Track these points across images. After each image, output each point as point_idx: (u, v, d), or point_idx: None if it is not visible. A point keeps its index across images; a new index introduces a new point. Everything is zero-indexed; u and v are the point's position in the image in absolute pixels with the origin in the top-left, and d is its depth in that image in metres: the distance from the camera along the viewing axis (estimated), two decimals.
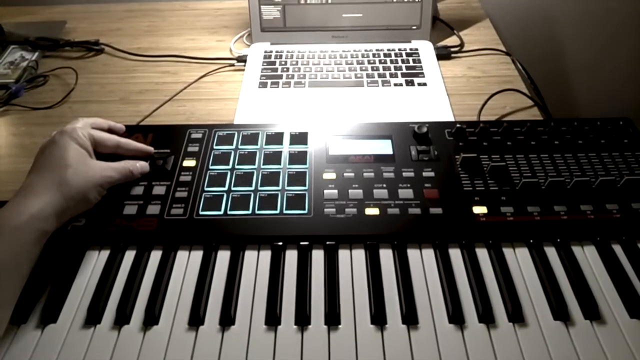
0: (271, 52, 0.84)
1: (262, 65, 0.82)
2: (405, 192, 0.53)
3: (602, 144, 0.59)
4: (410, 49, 0.84)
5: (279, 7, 0.85)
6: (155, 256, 0.50)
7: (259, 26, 0.86)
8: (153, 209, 0.52)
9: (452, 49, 0.84)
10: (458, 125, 0.60)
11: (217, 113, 0.73)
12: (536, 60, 1.07)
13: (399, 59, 0.82)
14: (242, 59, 0.83)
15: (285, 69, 0.81)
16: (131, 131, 0.61)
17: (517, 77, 0.79)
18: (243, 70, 0.81)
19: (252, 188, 0.54)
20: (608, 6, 1.07)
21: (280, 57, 0.83)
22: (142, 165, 0.56)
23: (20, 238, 0.45)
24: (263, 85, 0.78)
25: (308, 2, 0.84)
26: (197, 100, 0.76)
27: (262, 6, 0.85)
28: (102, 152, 0.56)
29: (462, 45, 0.86)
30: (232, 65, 0.83)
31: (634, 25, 1.10)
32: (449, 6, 0.98)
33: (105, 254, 0.50)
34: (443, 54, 0.83)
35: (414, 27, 0.85)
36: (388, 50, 0.84)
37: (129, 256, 0.50)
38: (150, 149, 0.58)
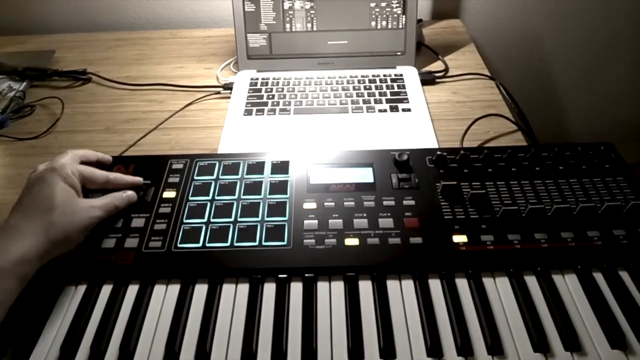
0: (257, 79, 0.85)
1: (248, 92, 0.82)
2: (386, 222, 0.53)
3: (584, 170, 0.59)
4: (395, 75, 0.85)
5: (265, 35, 0.86)
6: (132, 291, 0.49)
7: (246, 54, 0.87)
8: (131, 242, 0.52)
9: (437, 74, 0.85)
10: (439, 153, 0.60)
11: (201, 142, 0.73)
12: (521, 82, 1.08)
13: (384, 85, 0.83)
14: (228, 87, 0.84)
15: (270, 96, 0.81)
16: (113, 162, 0.61)
17: (501, 102, 0.80)
18: (229, 97, 0.82)
19: (232, 219, 0.54)
20: (592, 27, 1.09)
21: (266, 84, 0.84)
22: (128, 196, 0.56)
23: (2, 283, 0.44)
24: (248, 112, 0.78)
25: (294, 30, 0.85)
26: (182, 129, 0.76)
27: (248, 34, 0.86)
28: (91, 188, 0.55)
29: (446, 70, 0.87)
30: (219, 92, 0.84)
31: (618, 45, 1.12)
32: (434, 31, 0.99)
33: (82, 289, 0.49)
34: (427, 80, 0.84)
35: (399, 53, 0.86)
36: (373, 76, 0.85)
37: (106, 291, 0.49)
38: (139, 179, 0.58)
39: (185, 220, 0.54)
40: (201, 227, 0.53)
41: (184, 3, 1.04)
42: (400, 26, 0.85)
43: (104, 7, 1.04)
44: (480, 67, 0.88)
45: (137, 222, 0.54)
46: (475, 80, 0.85)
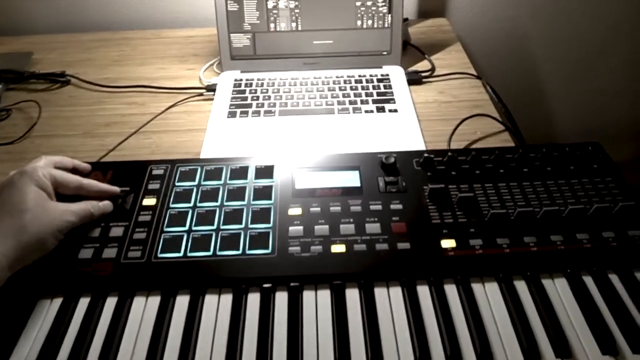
0: (241, 80, 0.83)
1: (232, 94, 0.80)
2: (373, 227, 0.52)
3: (572, 171, 0.59)
4: (382, 75, 0.83)
5: (249, 35, 0.84)
6: (111, 303, 0.47)
7: (229, 54, 0.85)
8: (109, 253, 0.50)
9: (423, 74, 0.84)
10: (426, 155, 0.59)
11: (183, 145, 0.71)
12: (508, 81, 1.07)
13: (370, 85, 0.81)
14: (211, 88, 0.82)
15: (255, 98, 0.79)
16: (91, 169, 0.59)
17: (488, 101, 0.79)
18: (212, 99, 0.80)
19: (214, 227, 0.52)
20: (580, 25, 1.08)
21: (250, 85, 0.82)
22: (104, 206, 0.54)
23: None
24: (232, 114, 0.76)
25: (278, 29, 0.84)
26: (163, 132, 0.74)
27: (231, 34, 0.84)
28: (64, 194, 0.53)
29: (433, 69, 0.86)
30: (201, 94, 0.82)
31: (606, 43, 1.12)
32: (420, 30, 0.98)
33: (57, 302, 0.47)
34: (414, 79, 0.83)
35: (385, 53, 0.85)
36: (359, 76, 0.83)
37: (83, 304, 0.47)
38: (116, 189, 0.56)
39: (165, 229, 0.52)
40: (182, 236, 0.51)
41: (166, 2, 1.01)
42: (386, 25, 0.83)
43: (85, 7, 1.01)
44: (466, 66, 0.87)
45: (116, 231, 0.52)
46: (462, 79, 0.84)
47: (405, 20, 0.98)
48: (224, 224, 0.52)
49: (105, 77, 0.86)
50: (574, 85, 1.18)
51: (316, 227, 0.52)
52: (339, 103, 0.78)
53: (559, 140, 1.27)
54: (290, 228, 0.52)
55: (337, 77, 0.83)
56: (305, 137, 0.71)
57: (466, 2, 1.04)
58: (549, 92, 1.20)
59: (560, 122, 1.24)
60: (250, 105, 0.78)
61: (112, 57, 0.93)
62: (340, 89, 0.81)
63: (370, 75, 0.83)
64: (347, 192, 0.56)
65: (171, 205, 0.55)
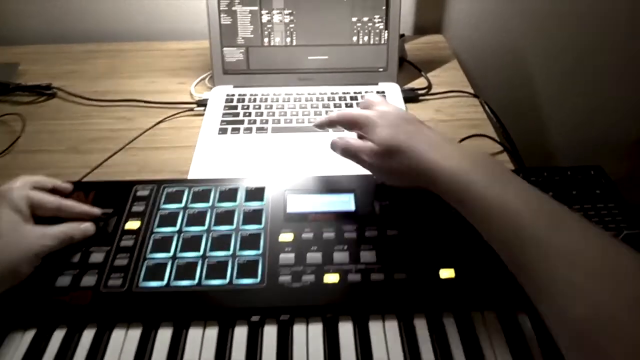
0: (233, 95, 0.81)
1: (224, 109, 0.78)
2: (368, 255, 0.49)
3: (574, 195, 0.57)
4: (377, 92, 0.81)
5: (242, 49, 0.82)
6: (88, 336, 0.44)
7: (221, 68, 0.83)
8: (88, 280, 0.47)
9: (420, 92, 0.82)
10: None
11: (172, 163, 0.68)
12: (506, 100, 1.05)
13: None
14: (202, 103, 0.79)
15: (247, 114, 0.77)
16: (73, 189, 0.56)
17: (485, 120, 0.77)
18: (203, 115, 0.77)
19: (200, 253, 0.49)
20: (578, 41, 1.07)
21: (243, 100, 0.80)
22: (85, 228, 0.51)
23: None
24: (223, 131, 0.74)
25: (272, 44, 0.82)
26: (151, 149, 0.71)
27: (224, 48, 0.82)
28: (41, 216, 0.50)
29: (429, 87, 0.84)
30: (192, 109, 0.79)
31: (605, 59, 1.10)
32: (416, 46, 0.96)
33: (30, 335, 0.44)
34: (410, 97, 0.81)
35: (381, 69, 0.83)
36: (355, 93, 0.81)
37: (58, 336, 0.44)
38: (97, 210, 0.53)
39: (149, 255, 0.49)
40: (166, 263, 0.48)
41: (157, 14, 0.99)
42: (383, 42, 0.82)
43: (74, 18, 0.99)
44: (463, 84, 0.86)
45: (96, 256, 0.49)
46: (459, 97, 0.82)
47: (402, 36, 0.96)
48: (210, 250, 0.50)
49: (94, 90, 0.84)
50: (571, 100, 1.17)
51: (308, 254, 0.49)
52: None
53: (556, 155, 1.25)
54: (281, 255, 0.49)
55: (332, 93, 0.81)
56: (298, 156, 0.69)
57: (462, 18, 1.03)
58: (545, 108, 1.19)
59: (558, 137, 1.22)
60: (242, 122, 0.76)
61: (101, 69, 0.90)
62: (335, 105, 0.79)
63: (366, 92, 0.81)
64: (342, 216, 0.53)
65: (155, 230, 0.52)
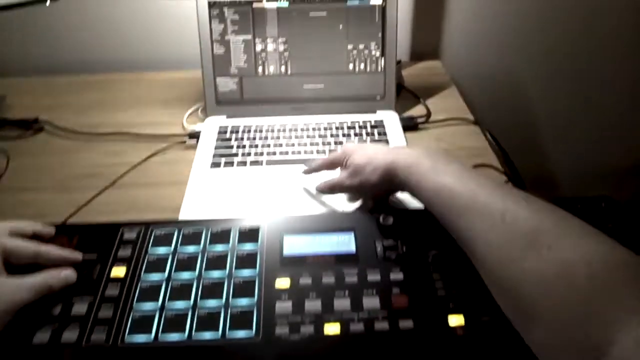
0: (227, 126, 0.78)
1: (217, 141, 0.75)
2: (371, 301, 0.46)
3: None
4: (375, 121, 0.79)
5: (236, 78, 0.80)
6: None
7: (214, 99, 0.80)
8: (69, 336, 0.43)
9: (419, 120, 0.80)
10: (427, 213, 0.53)
11: (162, 201, 0.65)
12: (506, 124, 1.04)
13: (364, 132, 0.77)
14: (194, 135, 0.77)
15: (241, 146, 0.74)
16: (55, 232, 0.53)
17: (487, 149, 0.75)
18: (195, 147, 0.74)
19: (190, 303, 0.46)
20: (577, 66, 1.06)
21: (237, 132, 0.77)
22: (66, 276, 0.48)
23: None
24: (216, 164, 0.71)
25: (267, 73, 0.80)
26: (141, 186, 0.68)
27: (217, 78, 0.79)
28: (17, 264, 0.47)
29: (429, 115, 0.82)
30: (184, 142, 0.76)
31: (604, 84, 1.09)
32: (413, 73, 0.94)
33: None
34: (409, 125, 0.79)
35: (378, 97, 0.81)
36: (352, 122, 0.79)
37: None
38: (78, 255, 0.50)
39: (135, 305, 0.46)
40: (154, 315, 0.45)
41: (148, 44, 0.98)
42: (379, 69, 0.80)
43: (63, 49, 0.97)
44: (463, 110, 0.84)
45: (79, 308, 0.46)
46: (459, 125, 0.80)
47: (398, 62, 0.94)
48: (202, 298, 0.46)
49: (82, 123, 0.81)
50: (571, 125, 1.15)
51: (307, 302, 0.46)
52: (330, 152, 0.73)
53: (560, 179, 1.22)
54: (277, 304, 0.46)
55: (328, 123, 0.79)
56: (294, 190, 0.66)
57: (459, 44, 1.02)
58: (546, 134, 1.17)
59: (561, 162, 1.20)
60: (236, 154, 0.73)
61: (90, 101, 0.88)
62: (332, 135, 0.76)
63: (364, 121, 0.79)
64: (342, 259, 0.50)
65: (143, 277, 0.48)
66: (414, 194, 0.51)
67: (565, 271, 0.35)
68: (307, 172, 0.65)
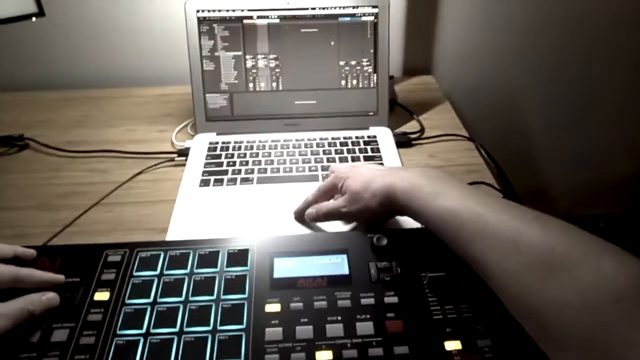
0: (217, 143, 0.77)
1: (206, 159, 0.74)
2: (364, 327, 0.44)
3: None
4: (368, 137, 0.78)
5: (226, 95, 0.78)
6: None
7: (204, 115, 0.79)
8: None
9: (412, 136, 0.79)
10: (423, 232, 0.52)
11: (149, 220, 0.63)
12: (503, 142, 1.03)
13: (357, 148, 0.76)
14: (183, 153, 0.75)
15: (231, 163, 0.73)
16: (37, 255, 0.50)
17: (482, 165, 0.74)
18: (184, 165, 0.73)
19: (176, 329, 0.44)
20: (571, 79, 1.06)
21: (227, 149, 0.76)
22: (48, 300, 0.45)
23: None
24: (205, 183, 0.69)
25: (258, 89, 0.79)
26: (127, 204, 0.66)
27: (207, 94, 0.78)
28: None
29: (422, 131, 0.81)
30: (172, 159, 0.75)
31: (598, 97, 1.09)
32: (406, 88, 0.94)
33: None
34: (403, 141, 0.78)
35: (371, 113, 0.80)
36: (344, 138, 0.78)
37: None
38: (60, 278, 0.48)
39: (118, 332, 0.44)
40: (138, 342, 0.43)
41: (136, 59, 0.96)
42: (372, 85, 0.79)
43: (49, 64, 0.96)
44: (457, 126, 0.83)
45: (59, 334, 0.44)
46: (453, 141, 0.79)
47: (391, 78, 0.94)
48: (188, 325, 0.44)
49: (68, 140, 0.79)
50: (566, 139, 1.14)
51: (298, 328, 0.44)
52: (323, 169, 0.72)
53: (555, 195, 1.21)
54: (267, 330, 0.44)
55: (320, 139, 0.78)
56: (285, 209, 0.64)
57: (452, 58, 1.02)
58: (542, 145, 1.16)
59: (556, 177, 1.19)
60: (225, 172, 0.71)
61: (76, 117, 0.86)
62: (324, 152, 0.75)
63: (357, 137, 0.78)
64: (334, 281, 0.48)
65: (127, 301, 0.46)
66: (416, 218, 0.49)
67: (590, 297, 0.34)
68: (299, 214, 0.61)
